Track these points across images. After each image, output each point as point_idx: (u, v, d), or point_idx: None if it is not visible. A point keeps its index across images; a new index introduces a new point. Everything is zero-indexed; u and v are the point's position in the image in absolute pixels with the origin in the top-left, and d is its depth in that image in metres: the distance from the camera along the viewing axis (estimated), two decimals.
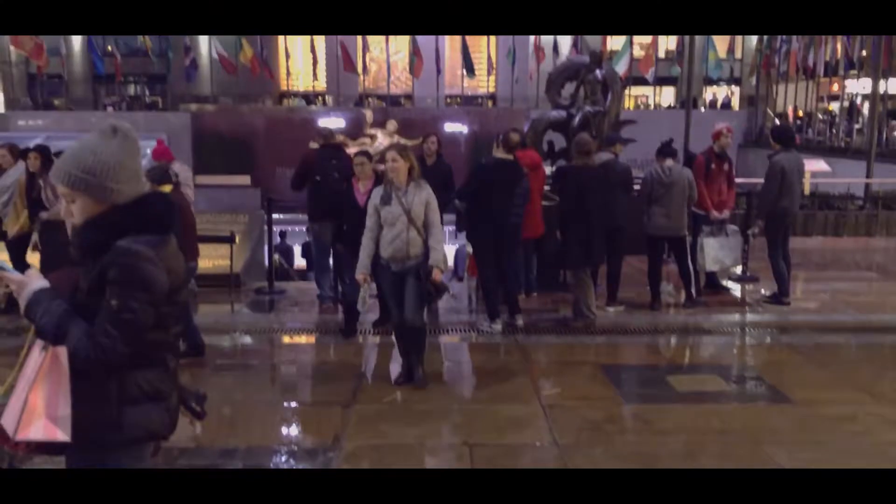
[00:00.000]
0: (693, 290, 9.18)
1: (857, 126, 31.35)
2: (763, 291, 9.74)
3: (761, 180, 9.26)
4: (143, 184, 2.63)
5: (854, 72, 33.58)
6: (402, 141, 24.22)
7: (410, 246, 6.25)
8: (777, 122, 34.59)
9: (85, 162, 2.50)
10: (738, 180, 10.53)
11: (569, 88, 12.21)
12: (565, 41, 41.90)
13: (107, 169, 2.51)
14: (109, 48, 38.13)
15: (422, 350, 6.59)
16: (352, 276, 7.07)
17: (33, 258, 8.54)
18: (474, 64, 39.91)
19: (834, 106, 37.77)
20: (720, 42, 37.30)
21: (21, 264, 8.05)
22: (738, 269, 10.34)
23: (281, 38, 42.35)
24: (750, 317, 8.98)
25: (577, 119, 11.35)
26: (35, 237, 8.34)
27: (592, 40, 40.94)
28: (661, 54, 38.22)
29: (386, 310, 7.64)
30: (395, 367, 6.88)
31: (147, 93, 44.11)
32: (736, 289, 10.18)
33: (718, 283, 9.95)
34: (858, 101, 34.58)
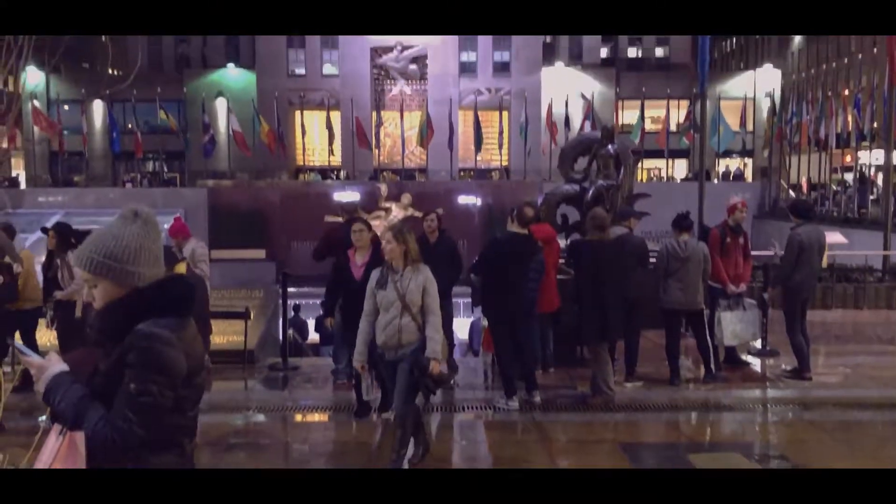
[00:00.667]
0: (712, 365, 9.05)
1: (871, 197, 31.38)
2: (784, 366, 9.58)
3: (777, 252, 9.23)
4: (163, 267, 2.66)
5: (866, 143, 33.79)
6: (417, 214, 24.40)
7: (403, 333, 5.91)
8: (791, 193, 34.73)
9: (107, 247, 2.53)
10: (753, 253, 10.49)
11: (581, 163, 12.34)
12: (577, 115, 42.56)
13: (128, 253, 2.54)
14: (129, 126, 39.07)
15: (403, 445, 6.14)
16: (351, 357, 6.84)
17: (48, 336, 8.56)
18: (487, 138, 40.52)
19: (848, 177, 37.93)
20: (732, 115, 37.78)
21: (30, 341, 8.03)
22: (758, 344, 10.20)
23: (297, 113, 43.27)
24: (771, 392, 8.82)
25: (590, 193, 11.41)
26: (49, 315, 8.35)
27: (604, 115, 41.55)
28: (673, 127, 38.67)
29: (387, 393, 7.48)
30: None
31: (165, 169, 44.94)
32: (756, 363, 10.02)
33: (738, 358, 9.81)
34: (872, 171, 34.69)
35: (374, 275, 6.14)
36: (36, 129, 37.28)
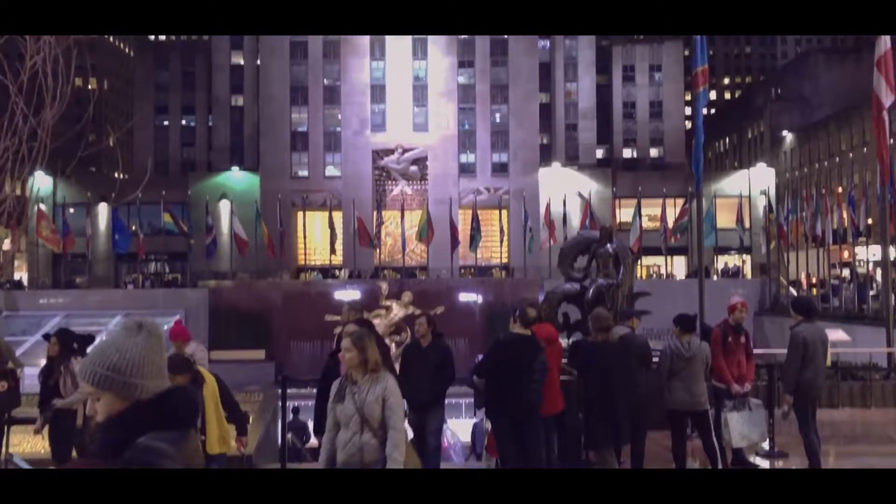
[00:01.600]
0: (720, 468, 8.85)
1: (871, 293, 31.41)
2: (794, 468, 9.37)
3: (780, 350, 9.16)
4: (166, 379, 2.65)
5: (863, 239, 34.10)
6: (418, 312, 24.41)
7: (364, 452, 5.24)
8: (791, 290, 34.77)
9: (110, 360, 2.53)
10: (756, 351, 10.42)
11: (581, 261, 12.44)
12: (575, 213, 43.11)
13: (131, 366, 2.53)
14: (133, 227, 39.54)
15: None
16: None
17: (42, 444, 8.38)
18: (488, 236, 40.96)
19: (847, 273, 38.09)
20: (728, 212, 38.25)
21: None
22: (766, 445, 10.01)
23: (300, 214, 43.85)
24: None
25: (590, 292, 11.46)
26: (39, 422, 8.14)
27: (601, 213, 42.10)
28: (671, 225, 39.12)
29: None
30: None
31: (167, 270, 45.21)
32: (765, 465, 9.81)
33: (746, 460, 9.60)
34: (871, 267, 34.86)
35: (334, 386, 5.57)
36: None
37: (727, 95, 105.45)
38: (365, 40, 52.49)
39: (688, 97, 63.04)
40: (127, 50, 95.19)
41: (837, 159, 54.98)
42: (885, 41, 13.06)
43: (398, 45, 52.35)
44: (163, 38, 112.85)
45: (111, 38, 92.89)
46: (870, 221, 32.49)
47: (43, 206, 37.18)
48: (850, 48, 74.68)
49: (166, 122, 62.21)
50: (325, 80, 53.59)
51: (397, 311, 26.92)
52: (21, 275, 45.18)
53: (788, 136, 62.75)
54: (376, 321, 26.68)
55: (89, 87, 69.44)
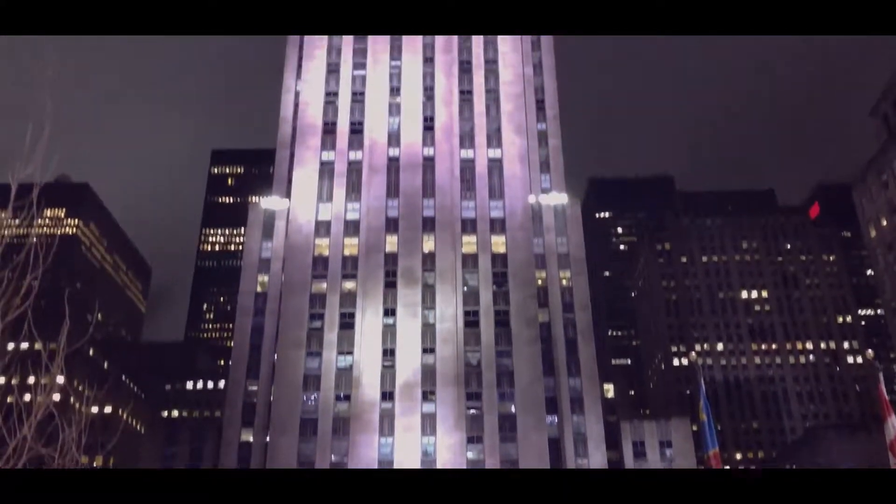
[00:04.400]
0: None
1: None
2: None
3: None
4: None
5: None
6: None
7: None
8: None
9: None
10: None
11: None
12: None
13: None
14: None
15: None
16: None
17: None
18: None
19: None
20: None
21: None
22: None
23: None
24: None
25: None
26: None
27: None
28: None
29: None
30: None
31: None
32: None
33: None
34: None
35: None
36: None
37: None
38: (375, 416, 53.31)
39: None
40: (138, 427, 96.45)
41: None
42: (891, 425, 13.22)
43: (407, 423, 53.11)
44: (175, 414, 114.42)
45: (123, 415, 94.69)
46: None
47: None
48: (857, 424, 75.01)
49: None
50: (333, 457, 53.35)
51: None
52: None
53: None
54: None
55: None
